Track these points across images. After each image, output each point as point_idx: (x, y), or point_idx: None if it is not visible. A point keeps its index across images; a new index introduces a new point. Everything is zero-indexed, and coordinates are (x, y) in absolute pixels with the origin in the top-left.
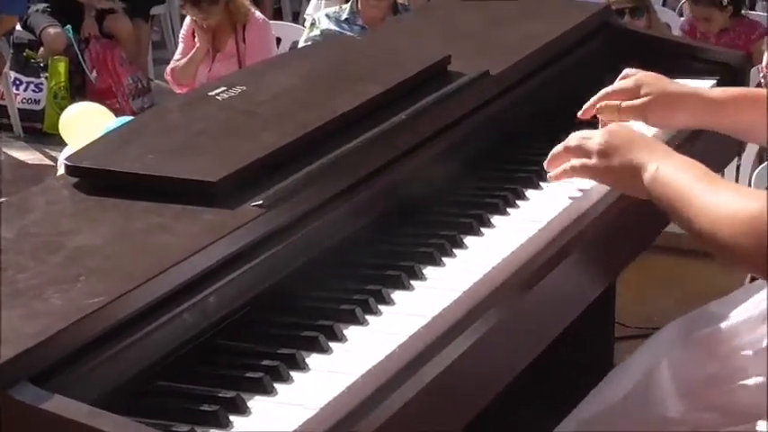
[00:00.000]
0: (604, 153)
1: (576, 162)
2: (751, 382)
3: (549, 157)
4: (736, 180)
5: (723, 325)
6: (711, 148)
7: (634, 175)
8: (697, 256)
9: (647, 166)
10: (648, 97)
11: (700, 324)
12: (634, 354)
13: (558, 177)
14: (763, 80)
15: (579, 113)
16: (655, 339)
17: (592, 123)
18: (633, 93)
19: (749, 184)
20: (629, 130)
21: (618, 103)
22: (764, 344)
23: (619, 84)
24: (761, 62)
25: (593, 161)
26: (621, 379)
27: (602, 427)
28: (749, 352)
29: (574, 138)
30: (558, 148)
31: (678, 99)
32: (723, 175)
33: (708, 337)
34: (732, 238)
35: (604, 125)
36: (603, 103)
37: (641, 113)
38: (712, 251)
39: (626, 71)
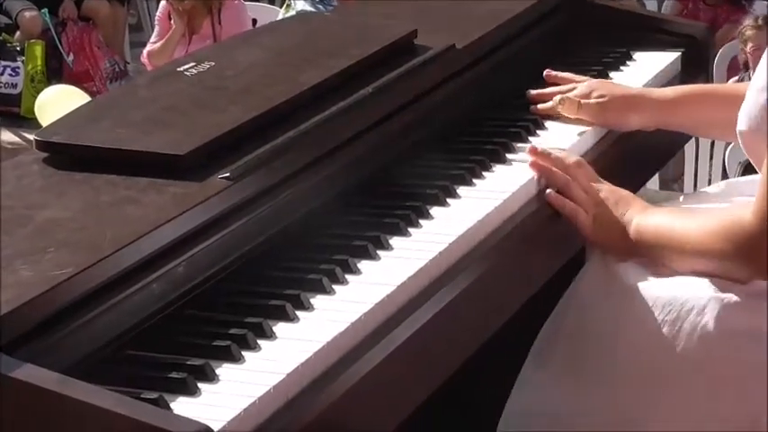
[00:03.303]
0: (596, 203)
1: (566, 205)
2: None
3: (545, 149)
4: (711, 155)
5: None
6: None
7: (622, 234)
8: None
9: (631, 223)
10: (605, 98)
11: None
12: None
13: (551, 199)
14: (747, 58)
15: (533, 92)
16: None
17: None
18: (585, 97)
19: (723, 160)
20: (619, 191)
21: (578, 99)
22: None
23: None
24: (730, 37)
25: (583, 209)
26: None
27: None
28: None
29: (584, 173)
30: (565, 158)
31: (633, 101)
32: (684, 153)
33: None
34: (716, 248)
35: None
36: (564, 96)
37: (599, 113)
38: (707, 272)
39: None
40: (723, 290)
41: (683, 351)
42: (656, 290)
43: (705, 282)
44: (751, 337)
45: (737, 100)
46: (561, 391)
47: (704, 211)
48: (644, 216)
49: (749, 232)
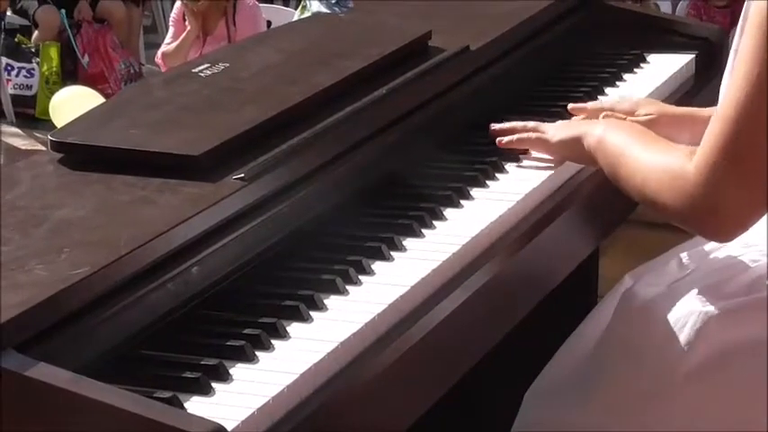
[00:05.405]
0: (556, 127)
1: (530, 135)
2: None
3: (504, 125)
4: None
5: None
6: None
7: (579, 144)
8: (685, 233)
9: (593, 132)
10: (651, 116)
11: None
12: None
13: (508, 144)
14: None
15: (570, 107)
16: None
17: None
18: (629, 114)
19: None
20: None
21: (624, 117)
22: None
23: (615, 103)
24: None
25: (545, 134)
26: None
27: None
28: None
29: (533, 123)
30: (517, 123)
31: (680, 119)
32: None
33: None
34: (658, 193)
35: None
36: (609, 113)
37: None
38: (646, 207)
39: (621, 96)
40: (709, 303)
41: (677, 369)
42: (654, 311)
43: (693, 296)
44: (738, 347)
45: None
46: (572, 415)
47: (658, 147)
48: (607, 129)
49: (692, 188)
